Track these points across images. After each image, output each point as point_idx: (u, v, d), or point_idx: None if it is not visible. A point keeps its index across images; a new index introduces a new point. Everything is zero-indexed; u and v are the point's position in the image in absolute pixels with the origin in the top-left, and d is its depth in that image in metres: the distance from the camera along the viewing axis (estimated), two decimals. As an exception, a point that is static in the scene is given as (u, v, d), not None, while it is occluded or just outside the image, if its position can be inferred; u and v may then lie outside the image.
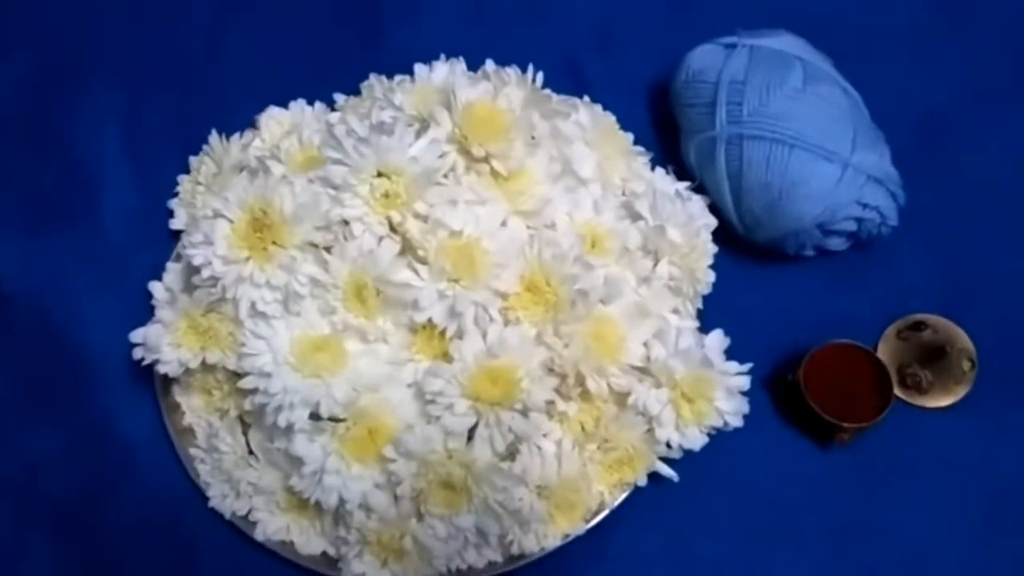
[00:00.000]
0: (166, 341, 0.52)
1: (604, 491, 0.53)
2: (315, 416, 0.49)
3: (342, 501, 0.50)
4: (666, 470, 0.53)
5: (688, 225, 0.55)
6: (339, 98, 0.62)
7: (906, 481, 0.57)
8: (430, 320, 0.49)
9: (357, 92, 0.62)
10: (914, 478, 0.57)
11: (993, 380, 0.59)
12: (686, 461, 0.53)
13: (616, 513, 0.54)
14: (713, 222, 0.57)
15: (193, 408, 0.57)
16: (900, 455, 0.58)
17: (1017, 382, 0.59)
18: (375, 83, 0.61)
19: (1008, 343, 0.60)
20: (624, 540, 0.56)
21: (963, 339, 0.60)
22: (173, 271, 0.55)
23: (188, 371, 0.53)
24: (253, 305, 0.50)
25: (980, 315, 0.60)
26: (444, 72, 0.55)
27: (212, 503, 0.55)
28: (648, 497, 0.54)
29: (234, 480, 0.54)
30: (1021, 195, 0.65)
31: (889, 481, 0.57)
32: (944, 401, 0.59)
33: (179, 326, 0.52)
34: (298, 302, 0.50)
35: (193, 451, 0.56)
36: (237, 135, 0.63)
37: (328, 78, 0.63)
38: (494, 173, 0.51)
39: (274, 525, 0.54)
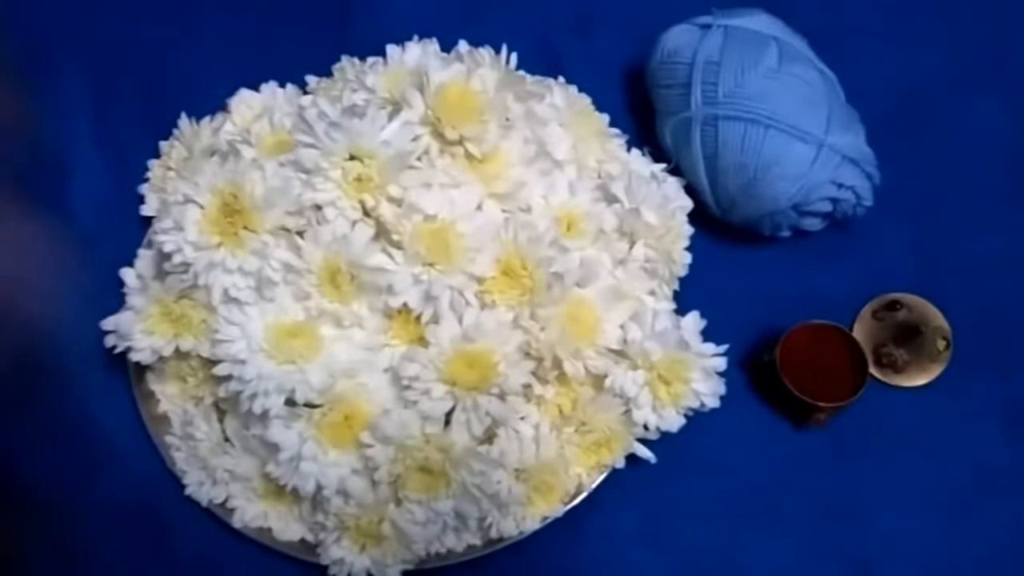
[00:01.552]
0: (138, 328, 0.52)
1: (582, 473, 0.54)
2: (291, 402, 0.49)
3: (319, 487, 0.50)
4: (643, 451, 0.54)
5: (663, 207, 0.54)
6: (311, 80, 0.62)
7: (882, 459, 0.58)
8: (405, 305, 0.49)
9: (329, 74, 0.61)
10: (890, 456, 0.58)
11: (967, 359, 0.60)
12: (663, 442, 0.53)
13: (594, 495, 0.54)
14: (689, 204, 0.57)
15: (168, 396, 0.56)
16: (876, 434, 0.58)
17: (991, 360, 0.60)
18: (347, 65, 0.60)
19: (982, 322, 0.60)
20: (603, 521, 0.56)
21: (938, 318, 0.60)
22: (145, 257, 0.55)
23: (162, 358, 0.53)
24: (226, 291, 0.49)
25: (954, 294, 0.61)
26: (417, 53, 0.55)
27: (188, 491, 0.54)
28: (626, 478, 0.54)
29: (210, 467, 0.54)
30: (995, 175, 0.65)
31: (865, 459, 0.58)
32: (919, 380, 0.59)
33: (151, 313, 0.51)
34: (271, 288, 0.49)
35: (168, 439, 0.55)
36: (208, 118, 0.62)
37: (300, 60, 0.62)
38: (468, 156, 0.51)
39: (251, 512, 0.54)
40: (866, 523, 0.56)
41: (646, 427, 0.53)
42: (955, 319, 0.60)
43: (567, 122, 0.56)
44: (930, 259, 0.62)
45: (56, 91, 0.68)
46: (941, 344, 0.60)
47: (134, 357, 0.53)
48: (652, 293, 0.55)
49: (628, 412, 0.52)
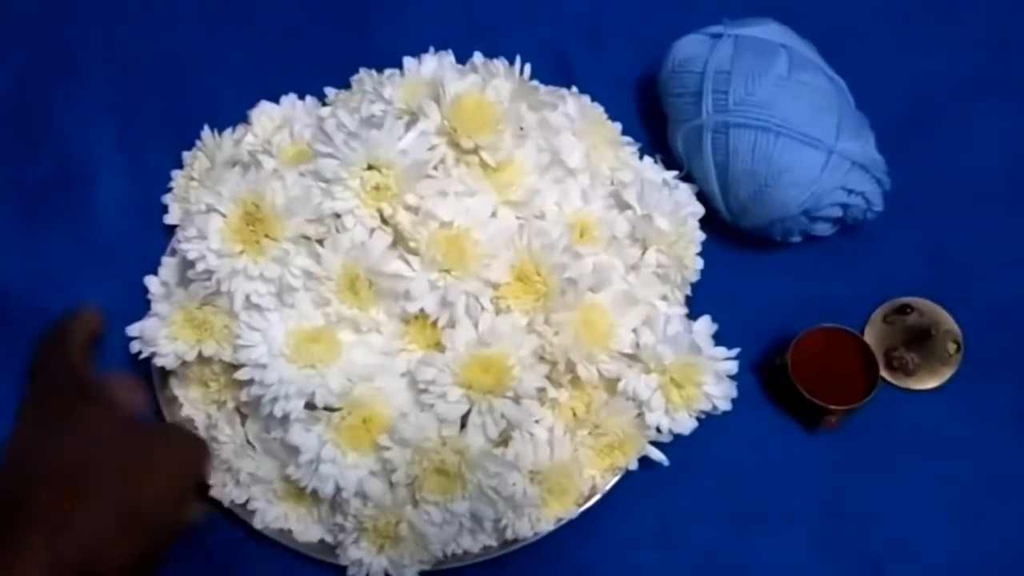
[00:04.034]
0: (162, 335, 0.53)
1: (596, 475, 0.54)
2: (310, 406, 0.50)
3: (338, 489, 0.51)
4: (656, 454, 0.54)
5: (675, 213, 0.55)
6: (330, 92, 0.63)
7: (893, 462, 0.58)
8: (422, 310, 0.50)
9: (347, 86, 0.62)
10: (901, 459, 0.58)
11: (978, 361, 0.60)
12: (676, 445, 0.54)
13: (608, 497, 0.54)
14: (700, 210, 0.58)
15: (191, 400, 0.57)
16: (887, 437, 0.58)
17: (1001, 363, 0.60)
18: (365, 77, 0.61)
19: (992, 325, 0.61)
20: (616, 524, 0.56)
21: (948, 321, 0.61)
22: (168, 265, 0.56)
23: (185, 363, 0.54)
24: (247, 298, 0.50)
25: (965, 298, 0.61)
26: (432, 65, 0.56)
27: (211, 492, 0.55)
28: (639, 481, 0.55)
29: (233, 469, 0.54)
30: (1004, 179, 0.65)
31: (876, 462, 0.58)
32: (930, 383, 0.60)
33: (175, 320, 0.53)
34: (292, 294, 0.50)
35: (192, 442, 0.57)
36: (229, 130, 0.63)
37: (319, 72, 0.63)
38: (483, 164, 0.52)
39: (272, 513, 0.54)
40: (877, 525, 0.57)
41: (659, 430, 0.53)
42: (965, 322, 0.60)
43: (580, 131, 0.57)
44: (940, 263, 0.63)
45: (81, 102, 0.69)
46: (952, 347, 0.60)
47: (159, 362, 0.54)
48: (664, 298, 0.55)
49: (641, 415, 0.53)
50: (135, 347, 0.54)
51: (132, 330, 0.54)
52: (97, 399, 0.47)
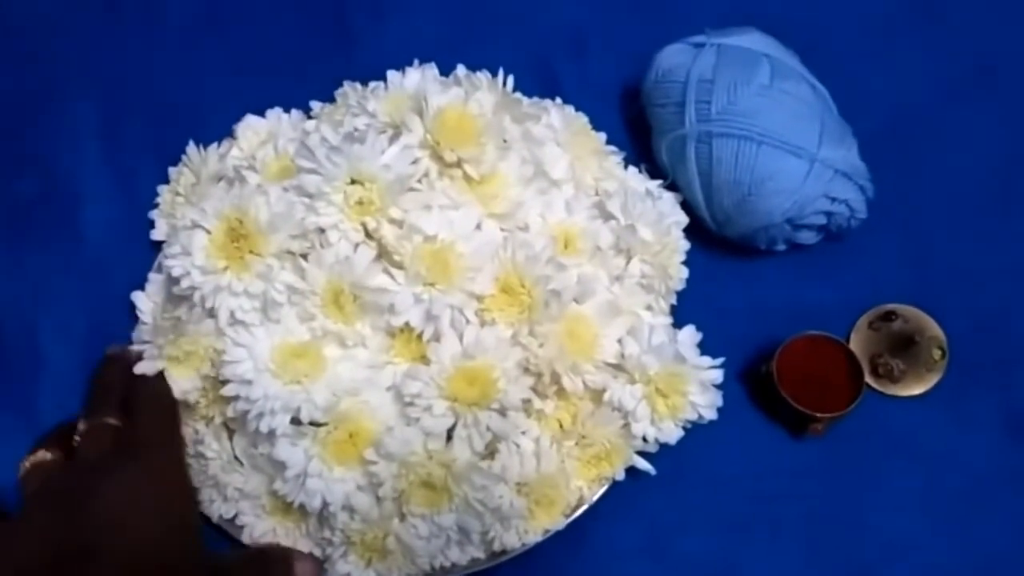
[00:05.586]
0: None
1: (583, 486, 0.54)
2: (296, 421, 0.50)
3: (325, 503, 0.51)
4: (643, 464, 0.54)
5: (659, 223, 0.55)
6: (315, 105, 0.63)
7: (879, 468, 0.58)
8: (407, 324, 0.50)
9: (334, 99, 0.62)
10: (887, 465, 0.58)
11: (963, 367, 0.60)
12: (663, 454, 0.54)
13: (595, 507, 0.54)
14: (684, 219, 0.58)
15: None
16: (873, 443, 0.59)
17: (986, 369, 0.60)
18: (349, 91, 0.61)
19: (977, 331, 0.61)
20: (604, 534, 0.56)
21: (933, 328, 0.61)
22: (155, 282, 0.56)
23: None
24: (232, 314, 0.50)
25: (949, 304, 0.61)
26: (416, 78, 0.56)
27: (200, 507, 0.55)
28: (626, 491, 0.55)
29: (221, 485, 0.54)
30: (987, 185, 0.66)
31: (863, 469, 0.58)
32: (915, 389, 0.60)
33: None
34: (277, 309, 0.50)
35: (181, 457, 0.57)
36: (215, 145, 0.63)
37: (305, 86, 0.63)
38: (467, 177, 0.52)
39: (260, 528, 0.54)
40: (865, 532, 0.57)
41: (645, 440, 0.53)
42: (950, 328, 0.60)
43: (564, 141, 0.57)
44: (924, 270, 0.63)
45: (66, 118, 0.69)
46: (936, 353, 0.60)
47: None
48: (649, 308, 0.55)
49: (627, 425, 0.53)
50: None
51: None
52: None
